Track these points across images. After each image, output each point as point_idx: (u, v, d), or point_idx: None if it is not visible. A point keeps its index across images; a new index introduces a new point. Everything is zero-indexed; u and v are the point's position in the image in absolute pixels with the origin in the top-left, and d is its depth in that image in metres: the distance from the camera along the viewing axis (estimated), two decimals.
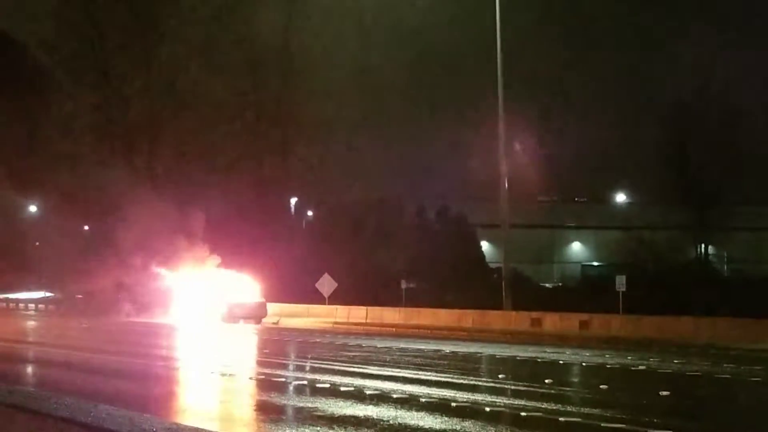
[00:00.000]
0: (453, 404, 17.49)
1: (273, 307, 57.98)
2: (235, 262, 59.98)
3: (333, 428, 14.56)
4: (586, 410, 17.10)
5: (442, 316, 50.32)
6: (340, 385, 20.26)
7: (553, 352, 31.50)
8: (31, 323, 54.40)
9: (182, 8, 71.78)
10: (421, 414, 16.23)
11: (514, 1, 53.33)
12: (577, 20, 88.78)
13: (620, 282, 44.57)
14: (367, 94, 77.06)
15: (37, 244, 67.06)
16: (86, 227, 65.98)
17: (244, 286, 57.43)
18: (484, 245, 79.58)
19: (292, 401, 18.66)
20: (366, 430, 14.57)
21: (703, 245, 70.03)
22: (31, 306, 73.58)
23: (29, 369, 27.11)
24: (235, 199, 72.31)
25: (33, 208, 74.90)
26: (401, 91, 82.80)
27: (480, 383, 22.01)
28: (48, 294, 76.14)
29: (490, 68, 51.24)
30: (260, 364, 27.71)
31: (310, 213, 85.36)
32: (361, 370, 24.15)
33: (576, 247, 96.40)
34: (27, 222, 65.59)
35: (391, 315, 53.06)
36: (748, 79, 77.69)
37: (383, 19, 75.56)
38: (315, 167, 74.81)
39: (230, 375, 23.88)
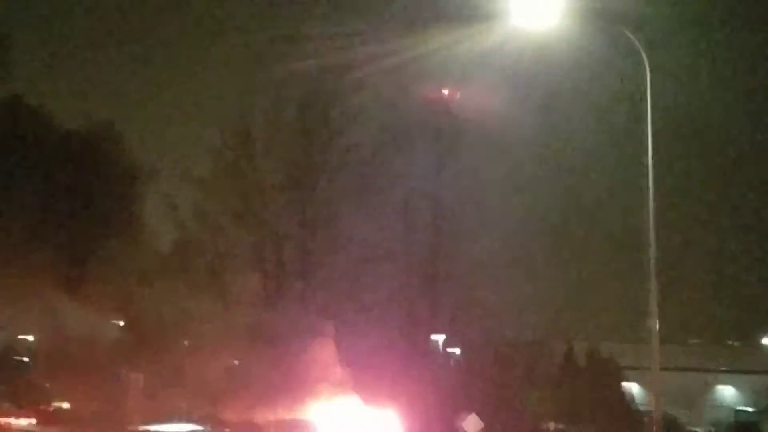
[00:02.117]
0: None
1: None
2: (380, 399, 60.04)
3: None
4: None
5: None
6: None
7: None
8: None
9: (337, 150, 73.39)
10: None
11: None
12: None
13: None
14: (515, 232, 77.54)
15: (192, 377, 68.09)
16: (236, 361, 66.89)
17: (390, 424, 57.33)
18: (634, 387, 78.21)
19: None
20: None
21: None
22: None
23: None
24: (384, 338, 72.73)
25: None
26: (549, 228, 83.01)
27: None
28: (196, 427, 76.96)
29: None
30: None
31: (457, 351, 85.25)
32: None
33: (728, 391, 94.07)
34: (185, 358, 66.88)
35: None
36: None
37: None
38: (463, 305, 74.98)
39: None
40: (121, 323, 69.25)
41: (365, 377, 63.28)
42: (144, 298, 64.76)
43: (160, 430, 77.59)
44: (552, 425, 57.86)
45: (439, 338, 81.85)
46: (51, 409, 67.35)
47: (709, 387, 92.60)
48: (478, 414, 57.74)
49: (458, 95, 78.25)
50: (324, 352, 65.02)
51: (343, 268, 72.27)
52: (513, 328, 77.18)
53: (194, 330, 64.02)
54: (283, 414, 62.71)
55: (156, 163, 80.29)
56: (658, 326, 50.09)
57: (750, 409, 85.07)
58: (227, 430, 68.82)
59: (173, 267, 71.19)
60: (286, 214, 73.78)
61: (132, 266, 69.27)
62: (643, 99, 49.94)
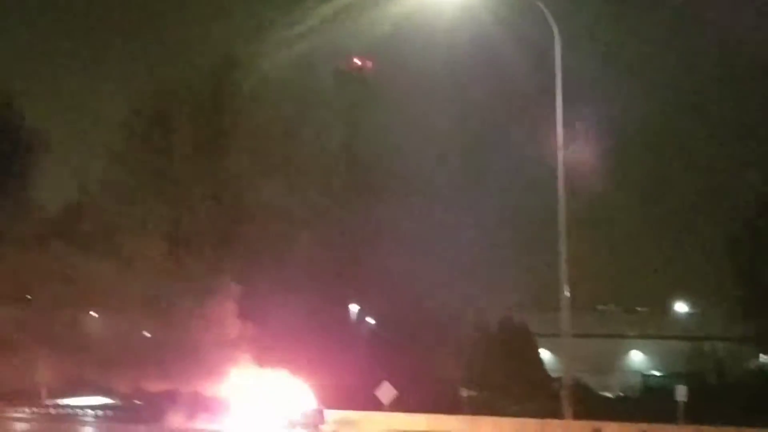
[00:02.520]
0: None
1: (331, 414, 57.95)
2: (294, 368, 60.11)
3: None
4: None
5: (503, 425, 50.10)
6: None
7: None
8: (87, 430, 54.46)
9: (250, 119, 73.09)
10: None
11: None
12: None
13: (680, 392, 44.32)
14: (431, 202, 77.88)
15: (91, 349, 67.37)
16: (147, 333, 66.39)
17: (303, 392, 57.52)
18: (545, 354, 79.17)
19: None
20: None
21: (766, 356, 69.44)
22: (90, 412, 73.76)
23: None
24: (297, 306, 72.74)
25: (94, 314, 75.70)
26: (464, 199, 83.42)
27: None
28: (106, 400, 76.31)
29: None
30: None
31: (371, 320, 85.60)
32: None
33: (637, 357, 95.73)
34: (87, 327, 66.01)
35: (451, 423, 52.84)
36: None
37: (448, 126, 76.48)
38: (378, 275, 75.22)
39: None
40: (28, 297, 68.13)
41: (279, 347, 63.30)
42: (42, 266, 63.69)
43: (72, 404, 77.09)
44: (465, 392, 58.41)
45: (354, 308, 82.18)
46: None
47: (618, 353, 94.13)
48: (391, 382, 58.14)
49: (370, 65, 78.32)
50: (237, 323, 64.92)
51: (256, 237, 72.11)
52: (427, 297, 77.54)
53: (98, 299, 63.33)
54: (194, 386, 62.57)
55: (61, 133, 78.99)
56: (568, 294, 50.90)
57: (658, 373, 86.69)
58: (138, 402, 68.60)
59: (65, 231, 69.77)
60: (198, 182, 73.56)
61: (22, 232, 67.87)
62: (553, 69, 50.58)
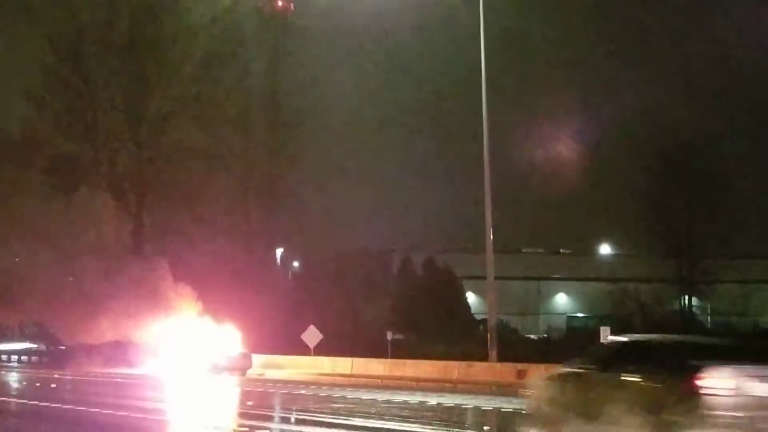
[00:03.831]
0: None
1: (258, 359, 57.84)
2: (220, 313, 59.82)
3: None
4: None
5: (428, 368, 50.13)
6: None
7: None
8: (12, 375, 54.06)
9: (170, 62, 72.15)
10: None
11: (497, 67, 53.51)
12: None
13: (604, 333, 44.61)
14: (355, 144, 77.59)
15: (21, 295, 66.56)
16: (71, 278, 65.62)
17: (229, 337, 57.32)
18: (470, 297, 79.53)
19: None
20: None
21: (687, 297, 70.36)
22: (14, 357, 73.09)
23: (6, 422, 26.88)
24: (222, 250, 72.32)
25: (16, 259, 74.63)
26: (390, 140, 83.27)
27: None
28: (31, 345, 75.54)
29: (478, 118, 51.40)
30: (244, 416, 27.55)
31: (296, 264, 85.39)
32: (346, 422, 24.07)
33: (561, 299, 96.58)
34: (9, 273, 65.08)
35: (376, 366, 52.87)
36: (736, 131, 78.36)
37: (374, 64, 75.96)
38: (302, 218, 74.88)
39: (214, 428, 23.75)
40: None
41: (203, 292, 63.00)
42: None
43: None
44: (389, 335, 58.42)
45: (278, 251, 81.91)
46: None
47: (543, 295, 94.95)
48: (317, 326, 58.10)
49: (293, 7, 77.35)
50: (159, 267, 64.40)
51: (178, 180, 71.42)
52: (351, 240, 77.52)
53: (20, 243, 62.46)
54: (119, 332, 62.13)
55: None
56: (492, 236, 50.99)
57: (581, 315, 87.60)
58: (62, 347, 68.03)
59: None
60: (120, 126, 72.62)
61: None
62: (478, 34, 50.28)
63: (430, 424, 23.94)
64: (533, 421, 20.37)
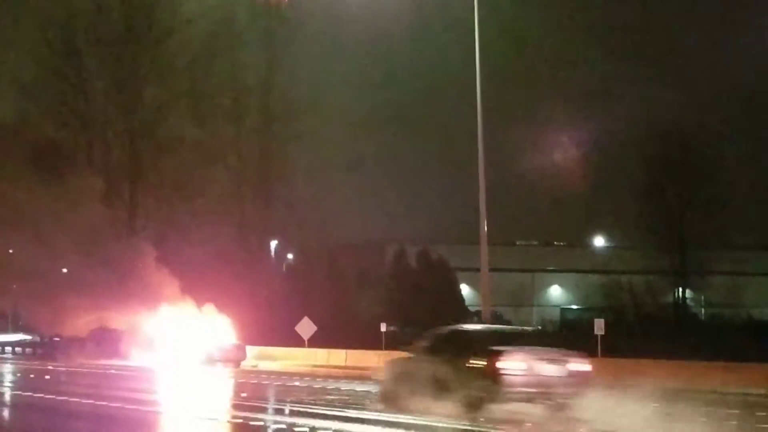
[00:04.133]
0: None
1: (252, 351, 57.82)
2: (214, 305, 59.76)
3: None
4: None
5: None
6: (318, 429, 20.19)
7: None
8: (6, 367, 54.00)
9: (164, 54, 72.04)
10: None
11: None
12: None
13: (598, 325, 44.65)
14: (349, 136, 77.50)
15: (14, 286, 66.52)
16: (64, 270, 65.53)
17: (223, 329, 57.29)
18: (464, 288, 79.60)
19: None
20: None
21: (681, 289, 70.44)
22: (8, 349, 73.06)
23: (0, 414, 26.88)
24: (216, 242, 72.31)
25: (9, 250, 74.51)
26: (385, 133, 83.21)
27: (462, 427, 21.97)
28: (25, 337, 75.52)
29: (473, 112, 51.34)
30: (238, 407, 27.55)
31: (290, 256, 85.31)
32: (340, 414, 24.09)
33: (555, 291, 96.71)
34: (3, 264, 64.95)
35: (370, 358, 52.81)
36: (731, 123, 78.40)
37: (369, 57, 75.81)
38: (296, 210, 74.79)
39: (208, 419, 23.75)
40: None
41: (198, 283, 62.93)
42: None
43: None
44: (383, 327, 58.45)
45: (273, 243, 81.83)
46: None
47: (537, 287, 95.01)
48: (311, 317, 58.12)
49: None
50: (153, 258, 64.29)
51: (173, 171, 71.37)
52: (346, 231, 77.45)
53: (18, 233, 62.34)
54: (114, 323, 62.07)
55: None
56: (486, 228, 50.94)
57: (575, 307, 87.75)
58: (57, 338, 68.01)
59: None
60: (113, 117, 72.55)
61: None
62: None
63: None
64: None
